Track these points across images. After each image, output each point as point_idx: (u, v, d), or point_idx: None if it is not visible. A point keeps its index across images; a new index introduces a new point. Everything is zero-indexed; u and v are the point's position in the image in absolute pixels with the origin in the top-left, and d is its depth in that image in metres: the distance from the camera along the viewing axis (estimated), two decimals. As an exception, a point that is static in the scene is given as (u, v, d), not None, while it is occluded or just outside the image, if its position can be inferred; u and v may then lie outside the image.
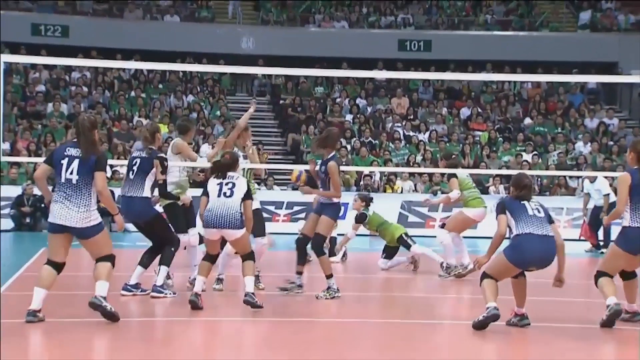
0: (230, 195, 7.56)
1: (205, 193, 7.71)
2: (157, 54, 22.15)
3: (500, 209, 6.88)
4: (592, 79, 23.83)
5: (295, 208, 18.57)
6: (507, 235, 6.90)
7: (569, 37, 25.46)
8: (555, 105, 23.71)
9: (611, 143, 21.80)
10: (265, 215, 13.76)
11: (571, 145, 21.30)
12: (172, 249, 8.09)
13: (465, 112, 23.24)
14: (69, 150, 6.77)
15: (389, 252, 11.25)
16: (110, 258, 6.77)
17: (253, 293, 7.57)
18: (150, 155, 8.09)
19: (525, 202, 6.87)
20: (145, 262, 8.20)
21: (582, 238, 15.47)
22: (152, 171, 8.00)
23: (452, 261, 10.42)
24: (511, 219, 6.82)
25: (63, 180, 6.67)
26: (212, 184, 7.69)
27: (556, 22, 26.45)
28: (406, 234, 11.22)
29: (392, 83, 24.17)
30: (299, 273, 8.54)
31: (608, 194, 14.69)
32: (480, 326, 6.67)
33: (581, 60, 24.19)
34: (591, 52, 24.53)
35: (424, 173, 18.77)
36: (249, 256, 7.67)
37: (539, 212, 6.85)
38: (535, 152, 20.45)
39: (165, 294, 8.15)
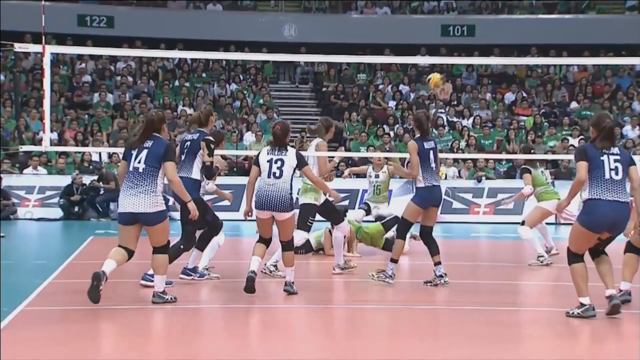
0: (280, 176, 7.55)
1: (257, 163, 7.69)
2: (200, 42, 22.32)
3: (581, 155, 6.60)
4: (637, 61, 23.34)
5: (341, 195, 18.57)
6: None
7: (615, 19, 25.00)
8: (602, 88, 23.35)
9: (661, 127, 21.42)
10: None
11: (618, 129, 20.96)
12: (182, 246, 8.08)
13: (509, 97, 23.01)
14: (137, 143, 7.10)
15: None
16: (167, 249, 7.08)
17: (292, 282, 7.70)
18: (199, 136, 8.15)
19: (605, 158, 6.54)
20: (200, 246, 8.35)
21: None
22: (199, 152, 8.06)
23: (540, 250, 10.53)
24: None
25: (131, 168, 7.03)
26: (263, 156, 7.66)
27: (603, 4, 25.98)
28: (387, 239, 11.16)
29: (435, 69, 24.01)
30: (437, 264, 8.53)
31: None
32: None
33: (629, 43, 23.72)
34: (638, 34, 24.05)
35: (469, 159, 18.64)
36: (289, 246, 7.70)
37: (616, 173, 6.52)
38: (581, 137, 20.15)
39: (193, 276, 8.36)
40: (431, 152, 8.50)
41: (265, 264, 8.87)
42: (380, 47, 23.20)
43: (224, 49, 22.18)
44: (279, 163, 7.56)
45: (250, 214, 7.71)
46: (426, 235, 8.59)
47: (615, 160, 6.53)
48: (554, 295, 8.66)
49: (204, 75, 23.48)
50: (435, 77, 9.48)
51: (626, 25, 24.46)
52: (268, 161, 7.60)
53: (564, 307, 7.04)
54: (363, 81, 23.83)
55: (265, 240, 7.73)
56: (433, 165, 8.48)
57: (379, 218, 11.53)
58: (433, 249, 8.52)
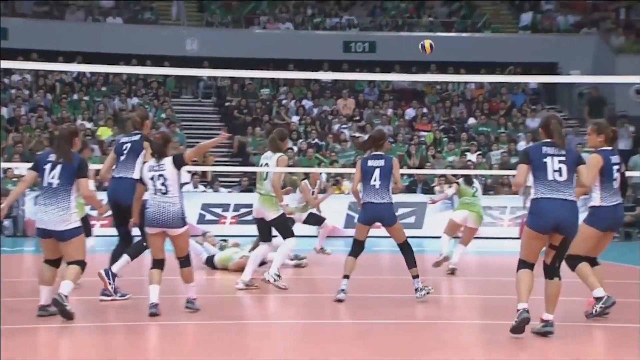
0: (165, 193, 7.41)
1: (141, 179, 7.59)
2: (100, 56, 21.85)
3: (523, 157, 6.53)
4: (533, 79, 24.25)
5: (242, 210, 18.48)
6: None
7: (510, 38, 25.85)
8: (498, 105, 24.05)
9: (553, 142, 22.17)
10: (211, 217, 13.67)
11: (514, 144, 21.62)
12: (144, 243, 7.94)
13: (410, 112, 23.43)
14: (51, 156, 7.13)
15: None
16: (82, 263, 7.06)
17: (194, 299, 7.55)
18: (140, 138, 8.20)
19: (548, 160, 6.37)
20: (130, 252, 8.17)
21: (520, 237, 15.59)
22: (142, 153, 8.07)
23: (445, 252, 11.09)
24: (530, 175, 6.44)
25: (45, 184, 7.06)
26: (146, 168, 7.57)
27: (498, 23, 26.83)
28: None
29: (337, 84, 24.23)
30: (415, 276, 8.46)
31: None
32: (515, 330, 6.37)
33: (522, 61, 24.57)
34: (532, 53, 24.94)
35: (305, 175, 18.64)
36: (186, 262, 7.52)
37: (560, 174, 6.36)
38: (479, 152, 20.69)
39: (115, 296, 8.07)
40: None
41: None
42: (284, 62, 23.25)
43: (125, 62, 21.78)
44: (162, 179, 7.43)
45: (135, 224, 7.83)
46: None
47: (560, 162, 6.37)
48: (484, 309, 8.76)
49: (104, 88, 22.98)
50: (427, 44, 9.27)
51: (520, 44, 25.34)
52: (151, 178, 7.48)
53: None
54: (266, 96, 23.81)
55: (159, 264, 7.49)
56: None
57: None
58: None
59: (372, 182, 8.28)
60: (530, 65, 24.44)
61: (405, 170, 18.72)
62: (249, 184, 19.48)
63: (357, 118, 22.84)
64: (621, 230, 18.65)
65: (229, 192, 19.16)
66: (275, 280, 8.96)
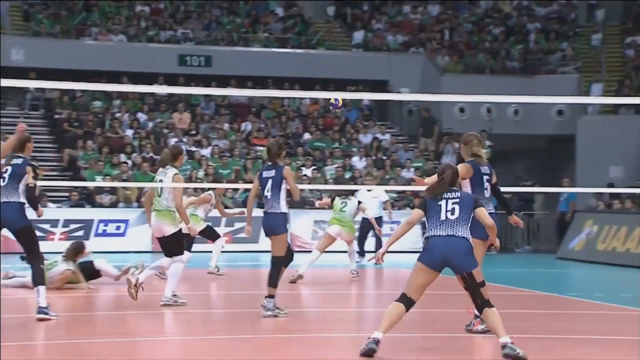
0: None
1: None
2: None
3: (419, 204, 6.72)
4: (366, 96, 24.95)
5: (72, 226, 17.82)
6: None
7: (343, 55, 26.46)
8: (333, 121, 24.55)
9: (384, 157, 22.90)
10: (39, 234, 13.21)
11: (348, 159, 22.14)
12: (41, 265, 7.95)
13: (247, 127, 23.46)
14: None
15: None
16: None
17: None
18: (23, 162, 8.06)
19: (442, 202, 6.53)
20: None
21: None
22: (25, 177, 7.98)
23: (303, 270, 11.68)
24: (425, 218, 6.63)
25: None
26: None
27: (331, 41, 27.43)
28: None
29: (173, 98, 23.88)
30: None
31: (387, 200, 16.36)
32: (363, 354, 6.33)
33: (355, 78, 25.23)
34: (364, 70, 25.67)
35: (210, 188, 18.59)
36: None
37: (452, 214, 6.51)
38: (314, 167, 21.03)
39: (51, 315, 7.88)
40: None
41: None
42: (117, 74, 22.66)
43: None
44: None
45: None
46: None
47: (454, 203, 6.53)
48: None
49: None
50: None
51: (352, 61, 26.01)
52: None
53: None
54: (99, 109, 23.10)
55: None
56: None
57: None
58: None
59: (265, 193, 8.46)
60: (362, 82, 25.13)
61: (241, 185, 18.68)
62: (79, 198, 18.80)
63: (194, 132, 22.60)
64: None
65: (58, 207, 18.41)
66: (175, 301, 9.07)
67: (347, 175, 21.22)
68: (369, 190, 15.92)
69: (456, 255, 6.40)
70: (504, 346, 6.28)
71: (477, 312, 7.35)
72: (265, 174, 8.53)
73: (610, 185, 20.32)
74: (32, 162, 8.14)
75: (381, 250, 6.64)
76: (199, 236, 11.56)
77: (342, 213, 12.38)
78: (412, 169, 21.70)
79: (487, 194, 7.58)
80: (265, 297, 8.40)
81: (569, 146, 24.59)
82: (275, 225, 8.40)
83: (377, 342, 6.33)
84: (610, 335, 7.90)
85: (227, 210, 13.12)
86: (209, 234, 12.46)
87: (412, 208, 20.15)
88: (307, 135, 23.60)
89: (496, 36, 28.05)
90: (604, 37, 27.18)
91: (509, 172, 24.02)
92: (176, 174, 9.17)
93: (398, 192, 20.55)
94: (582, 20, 28.83)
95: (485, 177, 7.58)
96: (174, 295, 9.17)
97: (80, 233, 17.60)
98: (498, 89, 21.81)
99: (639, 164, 22.71)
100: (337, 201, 12.53)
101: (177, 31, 25.84)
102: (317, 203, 13.67)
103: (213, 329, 8.14)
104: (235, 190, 19.29)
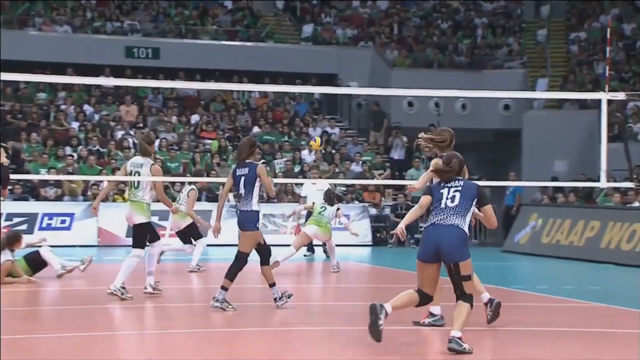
0: None
1: None
2: None
3: (426, 190, 6.78)
4: (315, 90, 24.96)
5: (16, 220, 17.53)
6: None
7: (292, 49, 26.42)
8: (282, 114, 24.52)
9: (334, 151, 22.96)
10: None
11: (297, 153, 22.13)
12: None
13: (195, 120, 23.29)
14: None
15: None
16: None
17: None
18: None
19: (445, 190, 6.59)
20: None
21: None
22: None
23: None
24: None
25: None
26: None
27: (280, 34, 27.37)
28: None
29: (120, 90, 23.58)
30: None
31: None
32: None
33: (304, 72, 25.22)
34: (313, 64, 25.67)
35: (191, 183, 18.41)
36: None
37: (452, 201, 6.55)
38: (263, 160, 20.96)
39: None
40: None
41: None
42: (62, 66, 22.29)
43: None
44: None
45: None
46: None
47: (456, 191, 6.57)
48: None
49: None
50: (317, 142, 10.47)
51: (302, 54, 26.00)
52: None
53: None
54: (43, 101, 22.70)
55: None
56: None
57: None
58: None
59: (240, 191, 8.51)
60: (311, 75, 25.14)
61: (189, 178, 18.51)
62: (23, 192, 18.47)
63: (141, 125, 22.36)
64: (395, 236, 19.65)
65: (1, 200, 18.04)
66: (122, 294, 9.06)
67: (296, 169, 21.23)
68: (314, 184, 15.96)
69: (447, 245, 6.42)
70: (450, 340, 6.35)
71: (431, 309, 7.49)
72: (238, 171, 8.59)
73: (555, 179, 20.70)
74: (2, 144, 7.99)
75: (400, 226, 6.69)
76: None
77: (320, 216, 13.05)
78: (361, 163, 21.80)
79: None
80: (220, 287, 8.41)
81: (515, 140, 24.97)
82: (245, 222, 8.50)
83: (382, 305, 6.33)
84: (556, 327, 8.06)
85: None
86: (193, 232, 12.44)
87: (361, 202, 20.29)
88: (256, 129, 23.52)
89: (444, 31, 28.31)
90: (549, 33, 27.63)
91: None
92: (153, 164, 9.23)
93: (347, 186, 20.63)
94: (529, 16, 29.25)
95: None
96: (123, 287, 9.12)
97: (24, 227, 17.29)
98: (446, 83, 22.00)
99: (582, 158, 23.17)
100: (317, 205, 13.32)
101: (124, 23, 25.51)
102: (302, 206, 14.37)
103: (161, 325, 8.09)
104: (182, 184, 19.11)
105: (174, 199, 12.77)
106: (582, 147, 23.54)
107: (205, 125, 22.86)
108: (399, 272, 13.47)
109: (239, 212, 8.60)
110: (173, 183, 17.69)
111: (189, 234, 12.42)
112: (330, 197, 13.47)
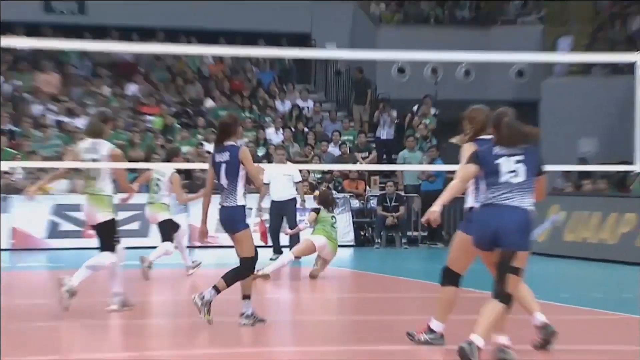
0: None
1: None
2: None
3: (471, 159, 6.72)
4: (284, 54, 24.73)
5: None
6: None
7: (255, 3, 25.80)
8: (242, 84, 24.37)
9: (307, 129, 22.87)
10: None
11: (261, 132, 22.02)
12: None
13: (133, 91, 23.05)
14: None
15: None
16: None
17: None
18: None
19: (502, 160, 6.61)
20: None
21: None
22: None
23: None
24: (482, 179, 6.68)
25: None
26: None
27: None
28: None
29: (37, 54, 23.34)
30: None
31: (300, 181, 16.38)
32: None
33: (269, 31, 25.02)
34: (281, 22, 25.46)
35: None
36: None
37: (515, 175, 6.58)
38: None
39: None
40: None
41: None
42: (-36, 23, 22.05)
43: None
44: None
45: None
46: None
47: (518, 161, 6.60)
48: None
49: None
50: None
51: (267, 10, 25.72)
52: None
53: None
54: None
55: None
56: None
57: None
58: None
59: (220, 181, 8.49)
60: (278, 35, 24.95)
61: (132, 165, 18.39)
62: None
63: (64, 98, 22.18)
64: (383, 235, 19.67)
65: None
66: (72, 295, 9.07)
67: (260, 152, 21.14)
68: (281, 169, 15.84)
69: (508, 230, 6.48)
70: (469, 343, 6.42)
71: (430, 324, 7.48)
72: (217, 157, 8.54)
73: (585, 162, 20.75)
74: None
75: (434, 209, 6.67)
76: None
77: (332, 229, 13.17)
78: (340, 144, 21.72)
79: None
80: (213, 287, 8.45)
81: (531, 114, 24.96)
82: (232, 221, 8.48)
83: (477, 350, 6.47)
84: (581, 345, 8.05)
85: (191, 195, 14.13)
86: (166, 230, 12.97)
87: (340, 192, 20.24)
88: (209, 102, 23.38)
89: (443, -22, 28.28)
90: (572, -20, 27.68)
91: (458, 147, 24.28)
92: (113, 148, 9.43)
93: (323, 172, 20.58)
94: (547, -39, 29.30)
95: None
96: (74, 288, 9.13)
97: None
98: (445, 44, 21.98)
99: (614, 135, 23.22)
100: (325, 214, 13.23)
101: (41, -30, 25.26)
102: (305, 220, 14.09)
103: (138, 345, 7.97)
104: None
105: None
106: (614, 122, 23.60)
107: (146, 98, 22.64)
108: (387, 279, 13.49)
109: (220, 208, 8.55)
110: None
111: (169, 229, 12.99)
112: (327, 201, 13.41)
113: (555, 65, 25.24)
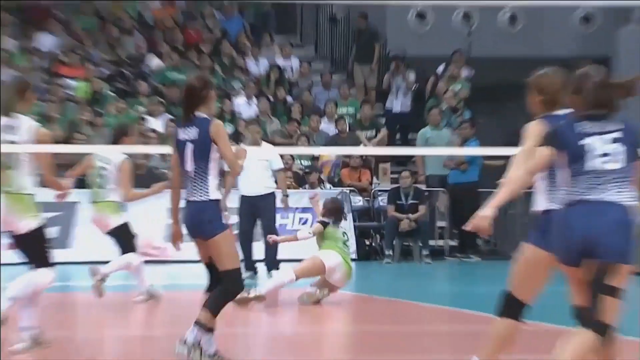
0: None
1: None
2: None
3: (548, 140, 6.64)
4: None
5: None
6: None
7: None
8: (199, 35, 24.27)
9: (290, 99, 22.78)
10: None
11: (227, 102, 21.92)
12: None
13: (45, 42, 22.97)
14: None
15: None
16: None
17: None
18: None
19: (590, 140, 6.51)
20: None
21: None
22: None
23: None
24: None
25: None
26: None
27: None
28: None
29: None
30: None
31: (282, 169, 16.88)
32: None
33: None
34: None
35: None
36: None
37: (612, 160, 6.51)
38: (170, 116, 20.76)
39: None
40: None
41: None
42: None
43: None
44: None
45: None
46: None
47: (615, 139, 6.52)
48: None
49: None
50: None
51: None
52: None
53: None
54: None
55: None
56: None
57: None
58: None
59: (186, 167, 8.59)
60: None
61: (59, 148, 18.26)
62: None
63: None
64: (396, 244, 19.59)
65: None
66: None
67: (228, 128, 21.02)
68: (255, 151, 15.77)
69: (603, 235, 6.43)
70: None
71: None
72: (182, 134, 8.64)
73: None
74: None
75: (486, 214, 6.66)
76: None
77: (345, 247, 13.66)
78: (336, 118, 21.66)
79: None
80: (195, 323, 8.48)
81: (601, 76, 25.02)
82: (204, 221, 8.55)
83: None
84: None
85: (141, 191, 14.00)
86: (125, 238, 13.23)
87: (337, 185, 20.13)
88: (155, 61, 23.29)
89: None
90: None
91: (501, 123, 24.25)
92: (40, 127, 9.45)
93: (313, 158, 20.52)
94: None
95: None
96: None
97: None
98: (482, -21, 21.90)
99: None
100: (335, 229, 13.69)
101: None
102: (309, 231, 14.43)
103: None
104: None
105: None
106: None
107: (66, 54, 22.53)
108: (402, 305, 13.45)
109: (186, 205, 8.64)
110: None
111: (128, 236, 13.27)
112: (337, 211, 13.71)
113: (634, 9, 25.24)
